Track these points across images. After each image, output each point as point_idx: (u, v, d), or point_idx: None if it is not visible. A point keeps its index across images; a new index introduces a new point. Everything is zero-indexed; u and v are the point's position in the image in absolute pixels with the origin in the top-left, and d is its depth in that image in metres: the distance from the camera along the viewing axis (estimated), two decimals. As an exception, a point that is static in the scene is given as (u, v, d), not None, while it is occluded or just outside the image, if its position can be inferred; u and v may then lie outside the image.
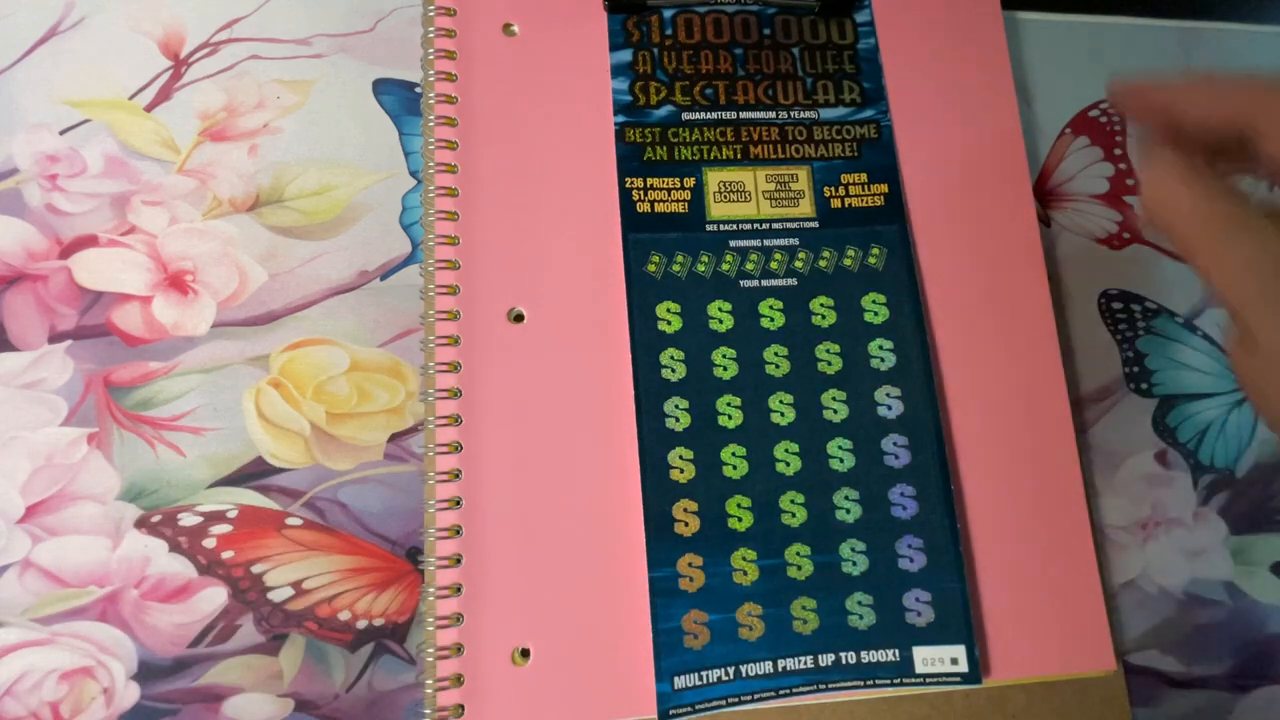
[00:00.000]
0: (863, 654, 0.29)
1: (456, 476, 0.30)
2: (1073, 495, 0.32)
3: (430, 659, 0.28)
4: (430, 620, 0.29)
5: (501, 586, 0.29)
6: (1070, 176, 0.38)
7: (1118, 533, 0.34)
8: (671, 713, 0.28)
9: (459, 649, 0.29)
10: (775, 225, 0.33)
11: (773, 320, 0.32)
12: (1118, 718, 0.31)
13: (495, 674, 0.29)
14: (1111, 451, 0.35)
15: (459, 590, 0.29)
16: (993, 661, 0.30)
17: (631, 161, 0.33)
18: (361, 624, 0.31)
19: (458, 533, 0.30)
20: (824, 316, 0.32)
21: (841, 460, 0.31)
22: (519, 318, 0.32)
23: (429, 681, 0.28)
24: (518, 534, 0.30)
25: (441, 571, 0.29)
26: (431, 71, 0.33)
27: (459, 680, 0.28)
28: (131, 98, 0.34)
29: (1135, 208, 0.38)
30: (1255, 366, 0.26)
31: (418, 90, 0.35)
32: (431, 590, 0.29)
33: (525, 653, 0.29)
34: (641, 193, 0.33)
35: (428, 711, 0.28)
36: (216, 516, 0.31)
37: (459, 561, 0.29)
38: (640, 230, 0.32)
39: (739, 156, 0.34)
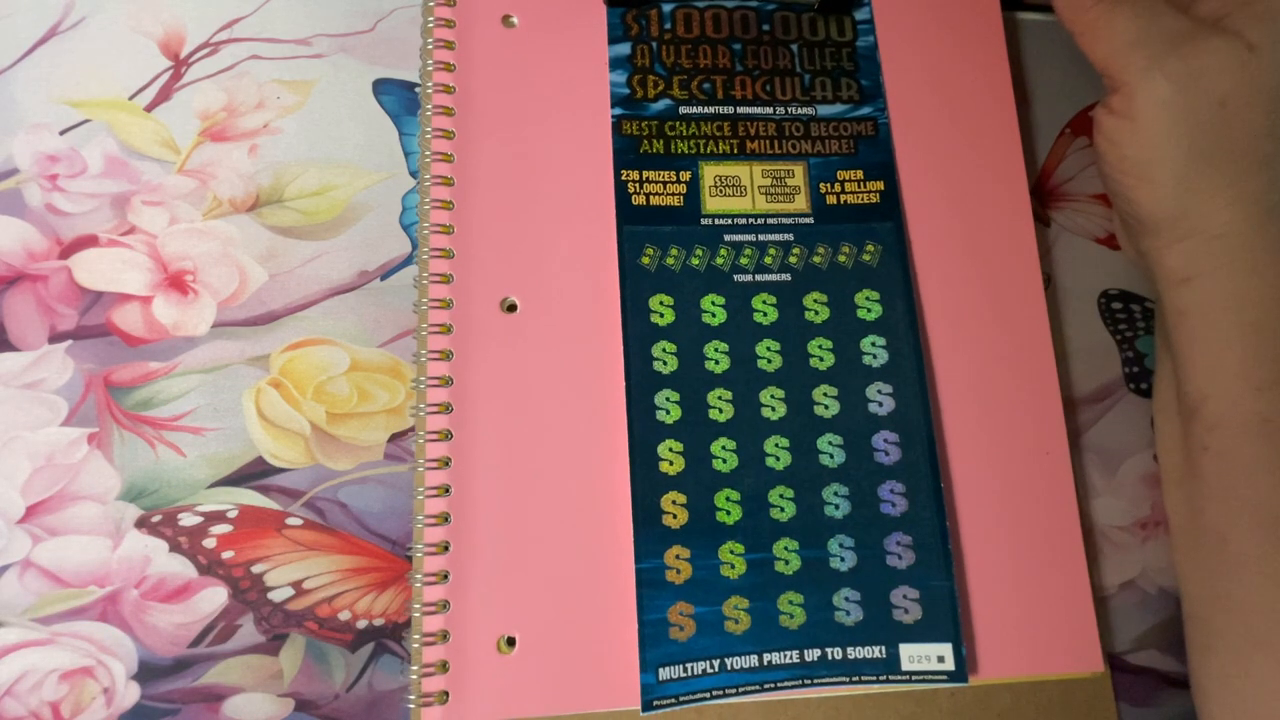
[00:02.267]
0: (849, 650, 0.29)
1: (446, 464, 0.30)
2: (1063, 495, 0.32)
3: (416, 645, 0.29)
4: (417, 606, 0.29)
5: (488, 574, 0.29)
6: (1070, 176, 0.38)
7: (1117, 533, 0.34)
8: (655, 704, 0.28)
9: (445, 636, 0.29)
10: (770, 220, 0.33)
11: (766, 315, 0.32)
12: (1104, 719, 0.31)
13: (480, 661, 0.29)
14: (1111, 452, 0.35)
15: (446, 577, 0.29)
16: (980, 660, 0.30)
17: (628, 154, 0.33)
18: (361, 624, 0.31)
19: (445, 520, 0.30)
20: (817, 312, 0.32)
21: (832, 456, 0.31)
22: (512, 307, 0.32)
23: (414, 667, 0.28)
24: (506, 522, 0.30)
25: (429, 558, 0.29)
26: (430, 61, 0.33)
27: (444, 667, 0.29)
28: (131, 98, 0.34)
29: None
30: (1123, 129, 0.29)
31: (418, 90, 0.36)
32: (419, 577, 0.29)
33: (511, 641, 0.29)
34: (637, 185, 0.33)
35: (412, 697, 0.28)
36: (216, 516, 0.31)
37: (446, 548, 0.29)
38: (635, 223, 0.33)
39: (735, 151, 0.34)
